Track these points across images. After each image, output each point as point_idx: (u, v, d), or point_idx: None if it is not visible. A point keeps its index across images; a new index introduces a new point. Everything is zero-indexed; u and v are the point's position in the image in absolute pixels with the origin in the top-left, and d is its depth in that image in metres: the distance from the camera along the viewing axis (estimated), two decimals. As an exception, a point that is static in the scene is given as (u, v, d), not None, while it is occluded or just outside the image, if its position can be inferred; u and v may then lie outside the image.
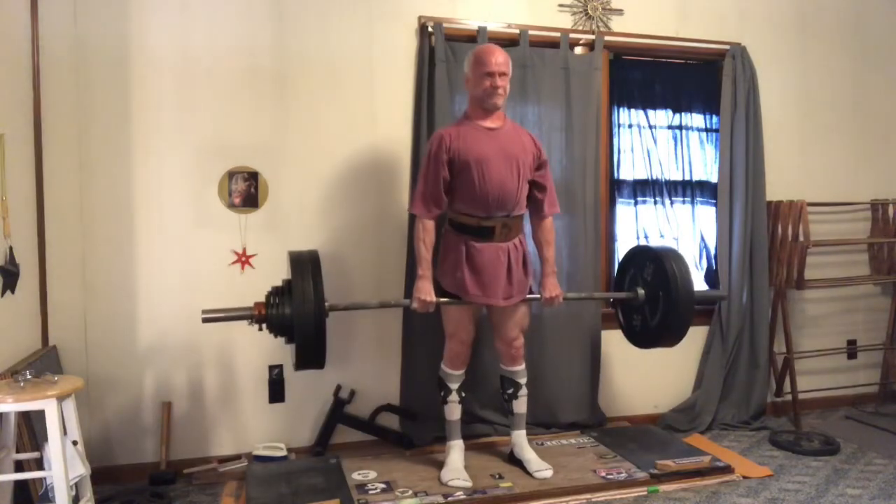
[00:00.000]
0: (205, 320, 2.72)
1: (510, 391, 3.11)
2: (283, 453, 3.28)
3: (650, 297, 3.16)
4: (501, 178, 2.86)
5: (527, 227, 3.12)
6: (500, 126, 2.94)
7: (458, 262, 2.91)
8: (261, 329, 2.77)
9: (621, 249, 3.92)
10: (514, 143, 2.94)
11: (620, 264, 3.43)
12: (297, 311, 2.64)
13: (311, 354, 2.70)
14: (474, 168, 2.84)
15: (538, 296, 3.03)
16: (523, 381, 3.11)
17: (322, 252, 3.38)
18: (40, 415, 2.26)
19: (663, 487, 3.01)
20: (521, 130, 3.06)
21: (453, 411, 3.06)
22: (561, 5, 3.72)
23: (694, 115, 4.02)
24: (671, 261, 3.09)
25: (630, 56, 3.89)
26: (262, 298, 3.06)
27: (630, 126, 3.92)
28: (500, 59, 2.87)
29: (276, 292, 2.79)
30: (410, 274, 3.40)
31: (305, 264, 2.73)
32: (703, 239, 4.06)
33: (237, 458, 3.26)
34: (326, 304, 2.72)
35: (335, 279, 3.40)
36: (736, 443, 3.63)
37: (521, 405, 3.13)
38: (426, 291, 2.86)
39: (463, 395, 3.07)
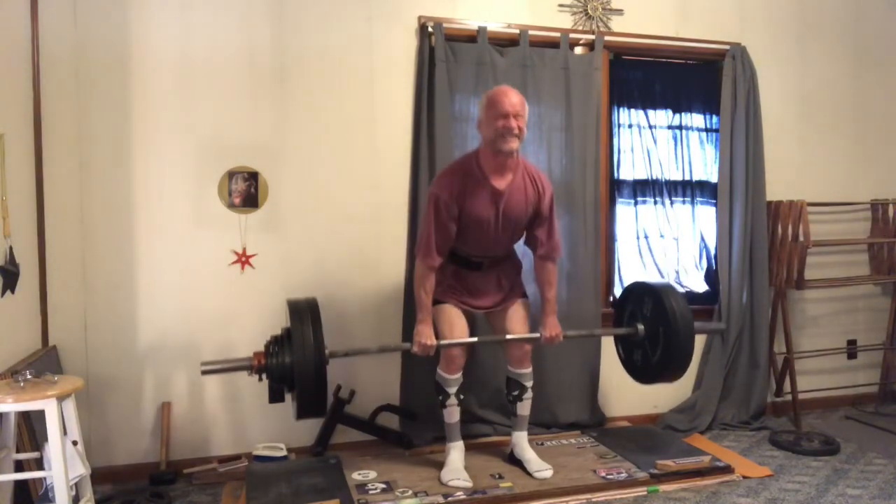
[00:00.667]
0: (204, 373, 2.73)
1: (515, 393, 3.11)
2: (283, 453, 3.28)
3: (650, 334, 3.17)
4: (497, 237, 2.95)
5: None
6: (508, 184, 2.85)
7: (447, 276, 3.00)
8: (260, 379, 2.77)
9: (621, 249, 3.93)
10: (518, 203, 2.89)
11: (619, 300, 3.45)
12: (298, 360, 2.62)
13: (312, 403, 2.68)
14: (473, 228, 2.88)
15: (538, 335, 3.05)
16: (529, 383, 3.11)
17: (322, 251, 3.41)
18: (40, 415, 2.26)
19: (663, 487, 3.00)
20: (530, 180, 2.92)
21: (452, 414, 3.05)
22: (561, 5, 3.72)
23: (694, 115, 4.02)
24: (669, 297, 3.10)
25: (630, 56, 3.89)
26: (263, 299, 3.07)
27: (630, 126, 3.92)
28: (514, 99, 2.77)
29: (275, 341, 2.78)
30: (410, 272, 3.41)
31: (304, 312, 2.72)
32: (702, 239, 4.06)
33: (237, 458, 3.26)
34: (327, 351, 2.71)
35: (336, 278, 3.41)
36: (736, 443, 3.63)
37: (524, 407, 3.13)
38: (427, 336, 2.89)
39: (461, 397, 3.07)
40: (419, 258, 2.90)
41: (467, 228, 2.88)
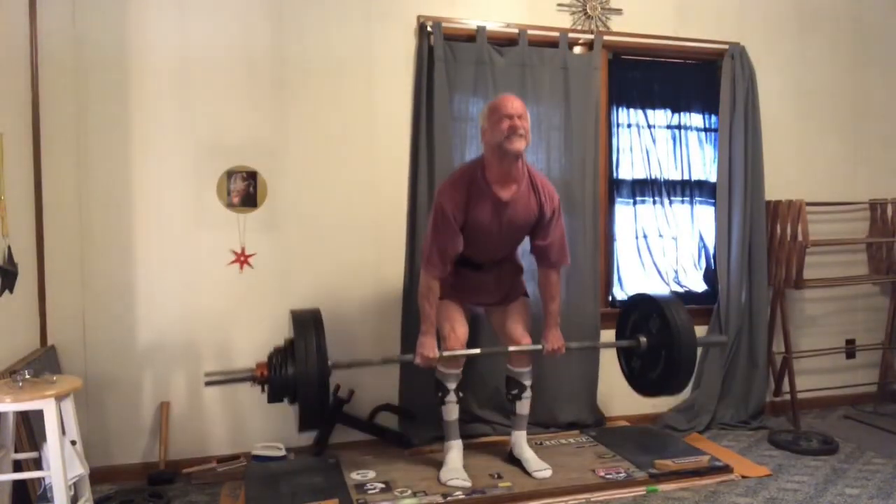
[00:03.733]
0: (207, 384, 2.73)
1: (514, 392, 3.11)
2: (282, 453, 3.28)
3: (652, 346, 3.17)
4: (499, 246, 2.99)
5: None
6: (513, 195, 2.84)
7: (448, 273, 2.97)
8: (263, 390, 2.76)
9: (620, 249, 3.93)
10: (522, 213, 2.89)
11: (622, 310, 3.45)
12: (300, 372, 2.61)
13: (314, 415, 2.68)
14: (476, 237, 2.89)
15: (540, 346, 3.05)
16: (529, 383, 3.11)
17: (322, 250, 3.41)
18: (39, 414, 2.26)
19: (662, 487, 3.01)
20: (534, 190, 2.91)
21: (451, 411, 3.05)
22: (560, 5, 3.72)
23: (693, 114, 4.03)
24: (672, 311, 3.11)
25: (629, 56, 3.89)
26: (262, 298, 3.06)
27: (629, 126, 3.92)
28: (516, 104, 2.78)
29: (278, 352, 2.77)
30: (410, 272, 3.41)
31: (308, 324, 2.72)
32: (701, 238, 4.06)
33: (236, 457, 3.26)
34: (330, 362, 2.71)
35: (336, 279, 3.41)
36: (735, 442, 3.63)
37: (524, 407, 3.13)
38: (430, 348, 2.89)
39: (460, 394, 3.07)
40: (424, 269, 2.90)
41: (470, 235, 2.88)
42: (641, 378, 3.28)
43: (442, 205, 2.82)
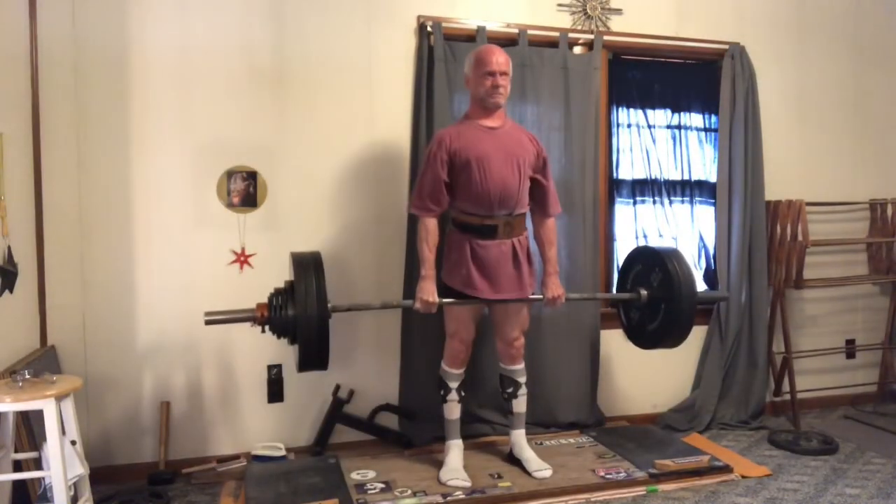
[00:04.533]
0: (207, 322, 2.72)
1: (510, 390, 3.11)
2: (282, 453, 3.28)
3: (652, 298, 3.16)
4: (503, 175, 2.86)
5: (529, 227, 3.12)
6: (500, 125, 2.96)
7: (463, 259, 2.90)
8: (263, 331, 2.76)
9: (620, 249, 3.93)
10: (515, 141, 2.95)
11: (622, 265, 3.43)
12: (300, 313, 2.63)
13: (314, 355, 2.69)
14: (475, 166, 2.84)
15: (540, 297, 3.03)
16: (522, 380, 3.11)
17: (322, 252, 3.40)
18: (39, 414, 2.26)
19: (662, 487, 3.01)
20: (521, 130, 3.08)
21: (453, 410, 3.06)
22: (560, 5, 3.72)
23: (693, 114, 4.02)
24: (673, 261, 3.10)
25: (629, 56, 3.89)
26: (262, 298, 3.05)
27: (629, 126, 3.92)
28: (500, 58, 2.89)
29: (278, 293, 2.78)
30: (409, 274, 3.41)
31: (308, 265, 2.72)
32: (701, 238, 4.06)
33: (236, 457, 3.26)
34: (329, 304, 2.71)
35: (336, 278, 3.39)
36: (735, 442, 3.63)
37: (520, 405, 3.13)
38: (429, 292, 2.85)
39: (462, 394, 3.07)
40: (416, 210, 2.90)
41: (472, 167, 2.83)
42: (640, 329, 3.27)
43: (430, 145, 2.93)
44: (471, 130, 2.91)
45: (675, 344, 3.20)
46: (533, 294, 3.03)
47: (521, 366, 3.11)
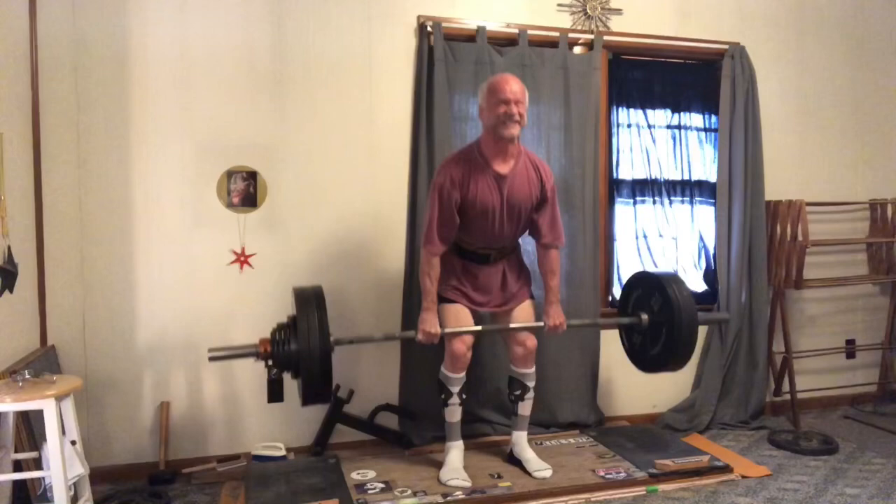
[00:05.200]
0: (211, 359, 2.73)
1: (517, 392, 3.11)
2: (282, 453, 3.28)
3: (653, 323, 3.17)
4: (503, 225, 2.94)
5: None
6: (511, 168, 2.87)
7: (455, 273, 2.99)
8: (267, 366, 2.77)
9: (620, 249, 3.93)
10: (522, 188, 2.91)
11: (623, 289, 3.44)
12: (303, 347, 2.63)
13: (317, 390, 2.69)
14: (478, 216, 2.89)
15: (542, 323, 3.05)
16: (532, 384, 3.11)
17: (321, 251, 3.41)
18: (39, 414, 2.26)
19: (662, 487, 3.01)
20: (532, 166, 2.96)
21: (454, 413, 3.05)
22: (560, 5, 3.72)
23: (693, 114, 4.03)
24: (672, 286, 3.11)
25: (629, 56, 3.89)
26: (262, 298, 3.06)
27: (629, 126, 3.92)
28: (515, 87, 2.80)
29: (281, 328, 2.78)
30: (410, 276, 3.41)
31: (310, 300, 2.73)
32: (701, 238, 4.06)
33: (236, 457, 3.26)
34: (332, 338, 2.72)
35: (336, 277, 3.41)
36: (735, 442, 3.63)
37: (526, 408, 3.13)
38: (432, 324, 2.89)
39: (464, 396, 3.07)
40: (423, 246, 2.91)
41: (473, 216, 2.87)
42: (642, 354, 3.28)
43: (439, 182, 2.86)
44: (479, 177, 2.85)
45: (677, 368, 3.21)
46: (530, 295, 3.10)
47: (532, 369, 3.10)
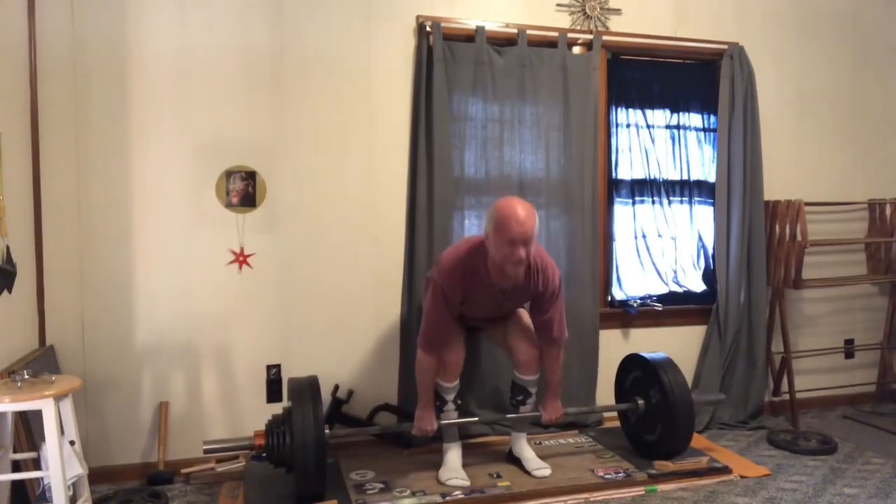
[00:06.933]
0: (206, 451, 2.74)
1: (520, 398, 3.11)
2: (281, 453, 3.28)
3: (649, 409, 3.24)
4: (502, 308, 3.02)
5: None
6: (514, 283, 2.79)
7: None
8: (262, 459, 2.79)
9: (619, 249, 3.93)
10: (523, 292, 2.88)
11: (618, 369, 3.50)
12: (298, 441, 2.62)
13: (312, 485, 2.68)
14: (475, 309, 2.93)
15: (538, 413, 3.08)
16: (535, 390, 3.11)
17: (321, 252, 3.40)
18: (38, 415, 2.25)
19: (661, 487, 3.01)
20: (536, 273, 2.82)
21: (451, 417, 3.05)
22: (559, 5, 3.72)
23: (692, 114, 4.03)
24: (667, 373, 3.17)
25: (628, 56, 3.89)
26: (262, 299, 3.05)
27: (628, 126, 3.92)
28: (526, 226, 2.57)
29: (276, 422, 2.78)
30: (409, 277, 3.41)
31: (305, 392, 2.73)
32: (700, 238, 4.06)
33: (235, 457, 3.26)
34: (327, 432, 2.73)
35: (335, 278, 3.41)
36: (733, 442, 3.63)
37: (527, 412, 3.13)
38: (428, 421, 2.92)
39: (459, 402, 3.07)
40: (420, 347, 2.91)
41: (469, 307, 2.90)
42: (639, 439, 3.34)
43: (440, 285, 2.79)
44: (481, 289, 2.81)
45: (677, 452, 3.21)
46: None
47: (536, 376, 3.09)
